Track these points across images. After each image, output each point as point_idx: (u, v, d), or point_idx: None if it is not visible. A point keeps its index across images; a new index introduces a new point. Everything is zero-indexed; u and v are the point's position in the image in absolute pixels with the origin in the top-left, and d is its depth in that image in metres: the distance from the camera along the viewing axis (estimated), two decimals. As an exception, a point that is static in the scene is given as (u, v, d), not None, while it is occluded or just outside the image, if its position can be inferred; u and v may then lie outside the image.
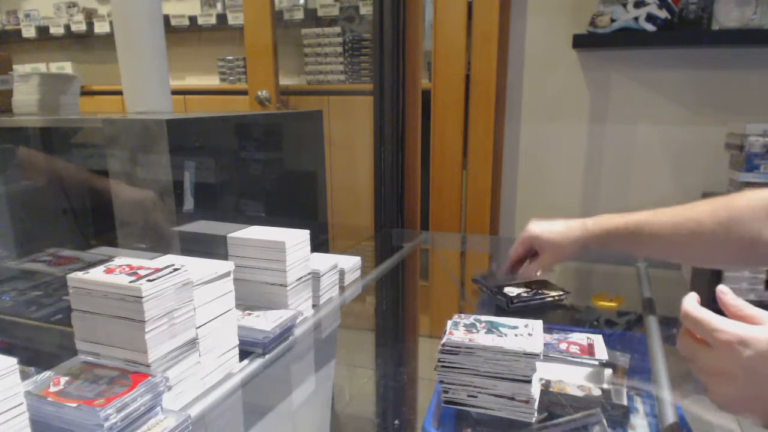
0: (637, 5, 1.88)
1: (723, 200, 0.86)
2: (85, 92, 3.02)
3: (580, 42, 1.98)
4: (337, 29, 2.71)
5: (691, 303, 0.60)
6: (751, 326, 0.54)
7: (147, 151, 1.07)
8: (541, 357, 0.68)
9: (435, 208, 2.31)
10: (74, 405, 0.58)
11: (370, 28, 2.63)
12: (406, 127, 1.97)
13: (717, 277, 1.75)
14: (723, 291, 0.60)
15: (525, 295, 1.13)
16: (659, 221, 0.92)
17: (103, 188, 1.13)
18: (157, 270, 0.68)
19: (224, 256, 0.96)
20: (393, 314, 1.29)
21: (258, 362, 0.86)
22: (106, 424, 0.58)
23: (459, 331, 0.73)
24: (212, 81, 3.17)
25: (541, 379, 0.78)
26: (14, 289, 1.20)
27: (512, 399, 0.69)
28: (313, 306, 1.06)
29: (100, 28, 3.21)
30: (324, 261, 1.10)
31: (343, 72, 2.72)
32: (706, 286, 1.78)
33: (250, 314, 0.92)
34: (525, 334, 0.72)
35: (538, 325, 0.75)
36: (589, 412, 0.70)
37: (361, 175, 2.61)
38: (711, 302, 0.64)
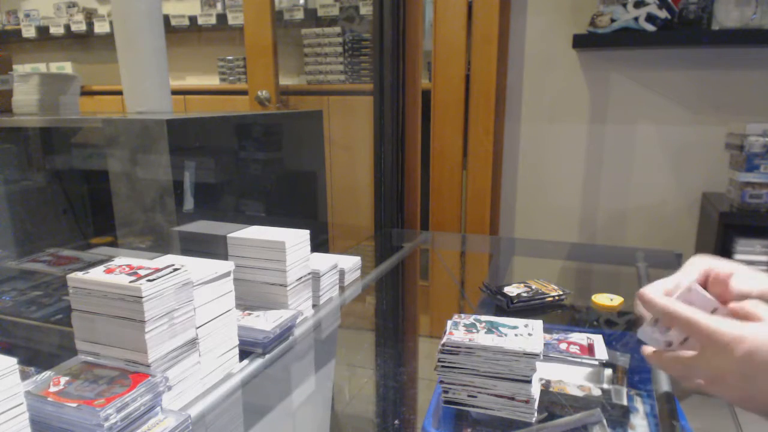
0: (637, 5, 1.88)
1: None
2: (85, 92, 3.02)
3: (580, 42, 1.98)
4: (337, 29, 2.71)
5: (668, 300, 0.60)
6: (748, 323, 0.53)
7: (147, 151, 1.07)
8: (541, 357, 0.68)
9: (435, 208, 2.31)
10: (74, 405, 0.58)
11: (370, 28, 2.63)
12: (406, 127, 1.97)
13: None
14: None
15: (525, 295, 1.13)
16: None
17: None
18: (157, 270, 0.68)
19: (224, 256, 0.96)
20: (393, 314, 1.29)
21: (258, 362, 0.86)
22: (106, 424, 0.58)
23: (459, 331, 0.73)
24: (212, 81, 3.17)
25: (541, 379, 0.78)
26: (14, 289, 1.20)
27: (512, 399, 0.69)
28: (313, 306, 1.06)
29: (100, 28, 3.21)
30: (324, 261, 1.10)
31: (343, 72, 2.72)
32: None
33: (250, 314, 0.92)
34: (525, 334, 0.72)
35: (538, 325, 0.75)
36: (589, 412, 0.70)
37: (361, 175, 2.61)
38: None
